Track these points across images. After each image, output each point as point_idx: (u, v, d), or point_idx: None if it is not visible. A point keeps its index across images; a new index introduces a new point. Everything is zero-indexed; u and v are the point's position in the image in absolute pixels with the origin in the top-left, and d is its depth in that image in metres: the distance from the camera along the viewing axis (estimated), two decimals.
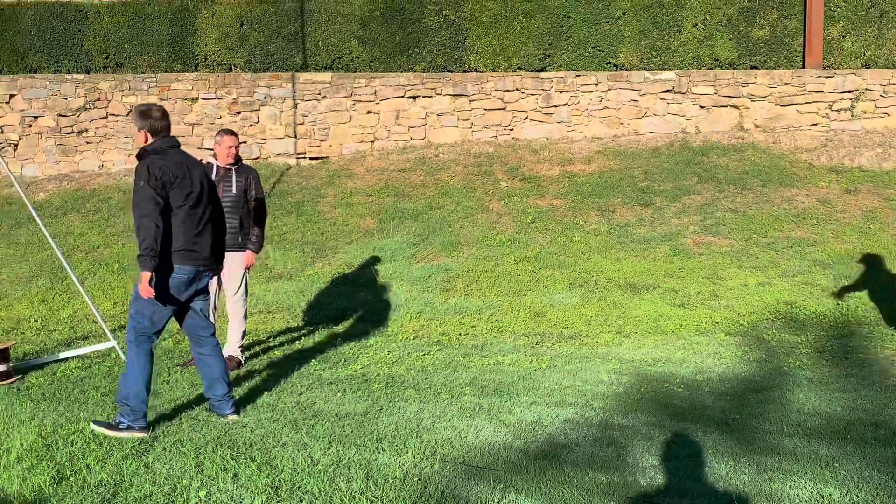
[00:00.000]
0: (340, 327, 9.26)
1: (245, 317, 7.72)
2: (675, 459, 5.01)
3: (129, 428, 5.43)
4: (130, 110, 14.76)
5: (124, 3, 15.46)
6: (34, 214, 8.19)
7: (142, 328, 5.56)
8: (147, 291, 5.41)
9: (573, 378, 6.95)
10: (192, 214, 5.58)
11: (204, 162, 7.52)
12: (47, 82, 14.91)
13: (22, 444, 5.20)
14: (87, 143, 14.88)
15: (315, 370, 7.27)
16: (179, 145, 5.74)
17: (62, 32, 15.24)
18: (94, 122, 14.86)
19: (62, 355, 7.85)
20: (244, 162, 7.89)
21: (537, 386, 6.70)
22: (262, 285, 10.95)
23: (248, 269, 7.71)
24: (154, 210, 5.35)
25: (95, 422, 5.53)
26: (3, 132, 14.87)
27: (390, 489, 4.42)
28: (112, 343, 7.89)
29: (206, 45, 15.10)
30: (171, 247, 5.52)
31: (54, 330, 9.62)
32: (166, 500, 4.30)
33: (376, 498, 4.31)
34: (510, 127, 14.53)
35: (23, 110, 14.91)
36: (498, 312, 9.57)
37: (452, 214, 12.47)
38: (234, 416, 5.81)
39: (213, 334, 5.90)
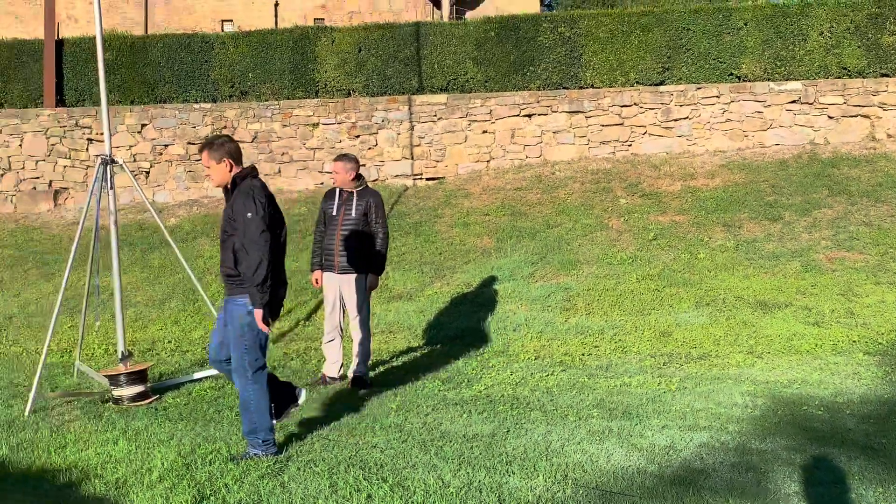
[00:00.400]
0: (461, 347, 9.27)
1: (368, 338, 7.81)
2: (819, 486, 4.79)
3: (256, 454, 5.51)
4: (255, 136, 15.23)
5: (248, 33, 16.00)
6: (168, 239, 8.50)
7: (257, 363, 5.47)
8: (263, 327, 5.36)
9: (705, 400, 6.76)
10: (277, 242, 5.45)
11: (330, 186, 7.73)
12: (176, 112, 15.53)
13: (163, 464, 5.37)
14: None
15: (439, 391, 7.29)
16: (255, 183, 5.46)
17: (190, 63, 15.86)
18: None
19: (196, 375, 8.10)
20: (370, 185, 7.99)
21: (668, 409, 6.53)
22: (382, 305, 11.07)
23: (369, 291, 7.77)
24: (266, 244, 5.21)
25: (233, 459, 5.45)
26: (135, 160, 15.54)
27: None
28: None
29: (325, 72, 15.46)
30: None
31: (187, 351, 9.94)
32: None
33: None
34: (628, 142, 14.34)
35: (154, 139, 15.56)
36: (621, 332, 9.41)
37: (571, 232, 12.36)
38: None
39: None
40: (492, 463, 5.21)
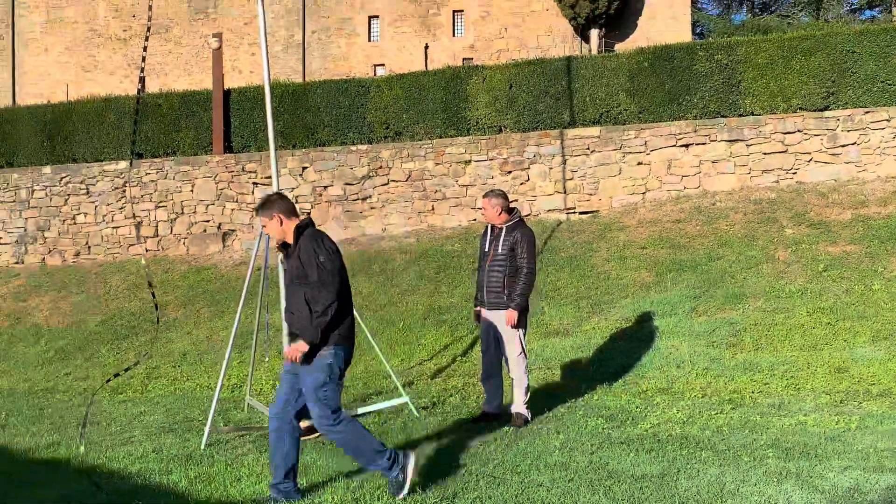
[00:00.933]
0: (622, 384, 9.06)
1: (526, 373, 7.74)
2: None
3: (400, 470, 5.44)
4: (409, 175, 15.53)
5: (401, 76, 16.40)
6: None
7: (335, 406, 5.39)
8: (292, 353, 5.34)
9: (889, 440, 6.33)
10: (346, 289, 5.54)
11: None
12: (335, 154, 16.05)
13: (332, 498, 5.46)
14: (371, 208, 15.80)
15: (603, 429, 7.13)
16: (315, 234, 5.53)
17: (347, 107, 16.38)
18: (376, 189, 15.76)
19: (360, 410, 8.24)
20: (521, 219, 7.90)
21: (848, 448, 6.16)
22: (539, 341, 10.99)
23: (517, 326, 7.63)
24: (335, 289, 5.30)
25: (397, 494, 5.43)
26: (297, 201, 16.10)
27: None
28: (405, 399, 8.19)
29: (477, 110, 15.63)
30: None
31: (349, 386, 10.13)
32: None
33: None
34: (793, 170, 13.78)
35: (314, 181, 16.12)
36: (793, 368, 8.97)
37: (734, 265, 11.94)
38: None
39: None
40: None
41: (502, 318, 7.58)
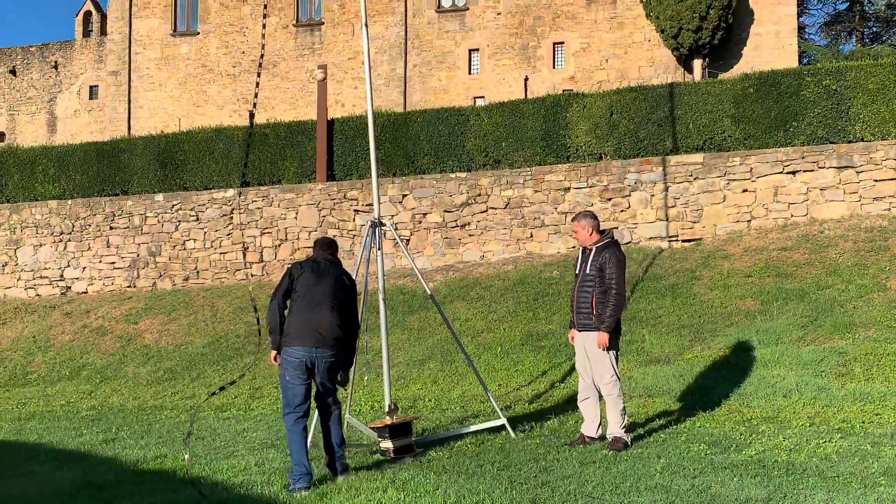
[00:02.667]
0: (726, 412, 8.82)
1: (620, 396, 7.57)
2: None
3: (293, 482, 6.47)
4: (508, 203, 15.58)
5: (501, 104, 16.52)
6: (434, 302, 8.78)
7: (286, 401, 6.68)
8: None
9: None
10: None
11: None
12: (434, 181, 16.22)
13: None
14: (470, 235, 15.88)
15: (706, 454, 6.96)
16: (323, 259, 6.99)
17: (446, 136, 16.57)
18: (475, 216, 15.85)
19: (458, 431, 8.25)
20: (615, 241, 7.74)
21: None
22: (639, 368, 10.82)
23: (608, 349, 7.50)
24: (275, 297, 6.78)
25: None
26: (396, 228, 16.32)
27: None
28: (503, 421, 8.17)
29: (577, 137, 15.60)
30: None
31: (447, 409, 10.17)
32: None
33: None
34: None
35: (413, 208, 16.31)
36: None
37: (843, 294, 11.55)
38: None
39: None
40: None
41: (593, 340, 7.50)
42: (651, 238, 14.55)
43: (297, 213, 17.13)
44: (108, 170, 18.83)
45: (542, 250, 15.30)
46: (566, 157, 15.69)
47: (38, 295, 18.55)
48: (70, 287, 18.43)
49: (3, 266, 18.90)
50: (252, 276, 17.15)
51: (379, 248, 8.40)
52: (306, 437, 6.64)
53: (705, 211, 14.27)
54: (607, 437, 7.55)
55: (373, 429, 7.98)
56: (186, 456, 7.43)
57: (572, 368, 11.43)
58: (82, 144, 19.66)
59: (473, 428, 8.36)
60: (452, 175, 16.15)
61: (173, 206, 17.87)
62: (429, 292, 9.00)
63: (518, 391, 10.86)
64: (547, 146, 15.80)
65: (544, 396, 10.44)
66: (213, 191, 17.75)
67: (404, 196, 16.40)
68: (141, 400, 12.71)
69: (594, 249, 7.60)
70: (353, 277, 7.24)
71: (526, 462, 6.99)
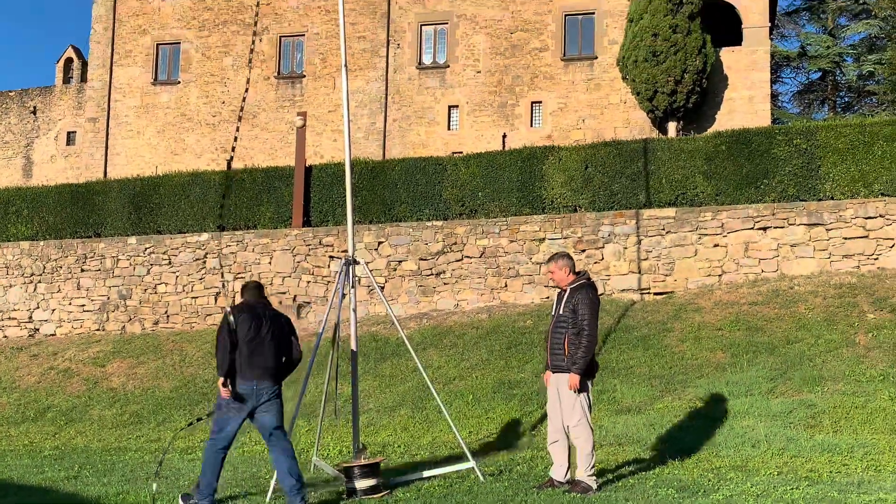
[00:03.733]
0: (695, 461, 8.80)
1: (589, 440, 7.45)
2: None
3: None
4: (483, 252, 15.64)
5: (479, 155, 16.71)
6: (408, 345, 8.74)
7: (214, 431, 7.20)
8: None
9: None
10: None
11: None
12: (410, 229, 16.28)
13: None
14: (444, 283, 15.90)
15: (674, 498, 6.93)
16: (257, 303, 7.46)
17: (424, 184, 16.68)
18: (450, 265, 15.89)
19: (425, 473, 8.17)
20: (588, 282, 7.69)
21: None
22: (610, 417, 10.81)
23: (579, 391, 7.39)
24: (221, 348, 7.16)
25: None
26: (372, 275, 16.31)
27: None
28: (472, 464, 8.10)
29: (552, 189, 15.76)
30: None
31: (416, 455, 10.09)
32: None
33: None
34: (874, 256, 13.50)
35: (389, 255, 16.34)
36: (874, 451, 8.62)
37: (813, 348, 11.64)
38: None
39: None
40: None
41: (565, 381, 7.45)
42: (623, 290, 14.63)
43: (271, 258, 17.09)
44: (81, 212, 18.75)
45: (517, 300, 15.33)
46: (541, 209, 15.82)
47: (5, 336, 18.30)
48: (38, 329, 18.20)
49: None
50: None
51: (352, 287, 8.40)
52: (221, 465, 7.21)
53: (677, 264, 14.39)
54: (575, 480, 7.49)
55: (340, 469, 7.90)
56: (154, 486, 7.31)
57: (543, 416, 11.37)
58: (57, 186, 19.61)
59: (442, 470, 8.29)
60: (429, 223, 16.23)
61: (146, 249, 17.79)
62: (403, 336, 8.98)
63: (489, 438, 10.79)
64: (523, 197, 15.94)
65: (515, 444, 10.38)
66: (186, 235, 17.70)
67: (380, 243, 16.43)
68: (105, 442, 12.51)
69: (569, 290, 7.58)
70: (325, 317, 8.03)
71: (494, 503, 6.93)
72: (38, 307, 18.28)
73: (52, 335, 18.00)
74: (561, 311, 7.52)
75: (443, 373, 13.28)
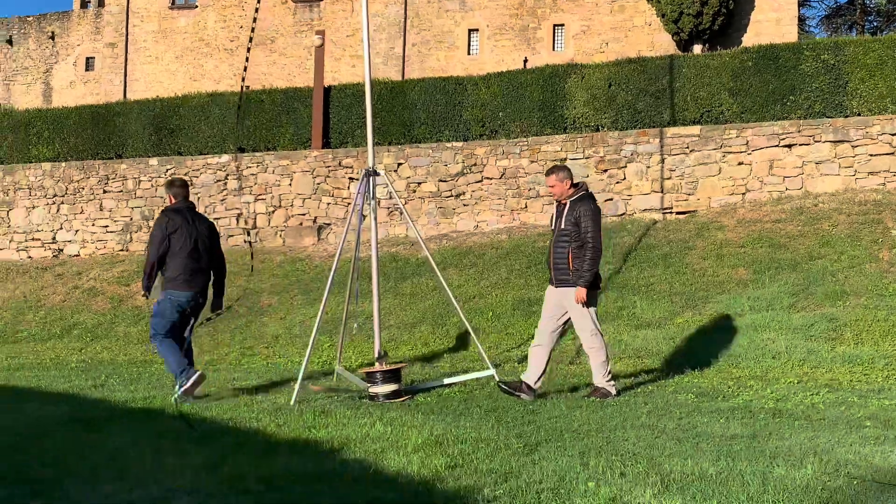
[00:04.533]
0: (715, 370, 8.85)
1: (603, 348, 7.37)
2: None
3: (186, 377, 7.64)
4: (503, 173, 15.56)
5: (500, 74, 16.48)
6: (433, 266, 8.73)
7: (158, 332, 7.94)
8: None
9: None
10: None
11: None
12: (430, 151, 16.19)
13: (416, 441, 5.49)
14: (464, 205, 15.86)
15: (692, 401, 6.98)
16: (189, 206, 8.12)
17: (444, 105, 16.53)
18: (470, 186, 15.83)
19: (446, 381, 8.26)
20: (588, 193, 7.47)
21: None
22: (629, 332, 10.85)
23: (587, 304, 7.30)
24: (153, 251, 7.84)
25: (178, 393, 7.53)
26: (391, 197, 16.30)
27: (791, 496, 4.04)
28: (491, 371, 8.17)
29: (574, 108, 15.58)
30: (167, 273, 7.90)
31: (436, 366, 10.19)
32: (556, 487, 4.28)
33: (777, 501, 3.96)
34: None
35: (408, 177, 16.28)
36: None
37: (836, 264, 11.57)
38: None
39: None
40: (753, 456, 4.89)
41: (570, 296, 7.30)
42: (646, 210, 14.55)
43: (291, 180, 17.09)
44: (102, 133, 18.77)
45: (537, 221, 15.29)
46: (563, 128, 15.67)
47: (29, 257, 18.51)
48: (62, 250, 18.38)
49: None
50: (245, 242, 17.10)
51: (372, 198, 8.37)
52: (175, 349, 7.85)
53: (700, 183, 14.27)
54: (594, 387, 7.53)
55: (363, 374, 7.99)
56: (176, 390, 7.44)
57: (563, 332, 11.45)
58: (77, 107, 19.58)
59: (462, 378, 8.37)
60: (448, 144, 16.12)
61: (167, 170, 17.81)
62: (427, 252, 8.94)
63: (508, 352, 10.87)
64: (544, 117, 15.78)
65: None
66: (207, 156, 17.69)
67: (399, 165, 16.36)
68: (131, 356, 12.70)
69: (569, 203, 7.37)
70: (344, 233, 8.34)
71: (513, 406, 7.01)
72: (61, 228, 18.44)
73: (76, 256, 18.18)
74: (563, 225, 7.32)
75: (463, 291, 13.32)
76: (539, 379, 7.42)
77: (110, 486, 4.58)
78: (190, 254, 7.81)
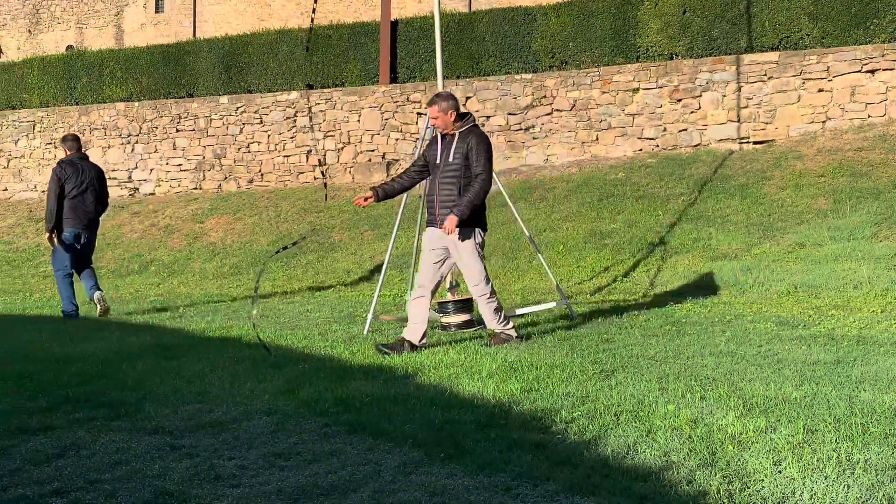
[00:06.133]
0: (794, 300, 8.63)
1: (492, 295, 6.64)
2: None
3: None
4: (573, 105, 15.29)
5: (570, 3, 16.09)
6: (506, 197, 8.67)
7: (58, 266, 9.68)
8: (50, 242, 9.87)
9: None
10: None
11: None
12: (498, 83, 15.97)
13: (490, 367, 5.48)
14: (534, 138, 15.66)
15: (772, 329, 6.82)
16: (79, 157, 9.71)
17: (512, 36, 16.24)
18: (540, 119, 15.60)
19: (519, 311, 8.22)
20: (475, 124, 6.70)
21: None
22: (704, 264, 10.65)
23: (464, 239, 6.49)
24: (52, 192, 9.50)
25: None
26: None
27: (879, 418, 3.92)
28: (564, 302, 8.11)
29: (647, 37, 15.17)
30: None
31: (507, 299, 10.14)
32: (634, 409, 4.22)
33: (866, 423, 3.84)
34: None
35: (476, 111, 16.10)
36: None
37: None
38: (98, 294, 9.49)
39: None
40: (838, 381, 4.76)
41: (457, 240, 6.47)
42: (721, 140, 14.17)
43: (359, 116, 17.06)
44: (173, 72, 18.94)
45: (608, 153, 15.03)
46: (636, 58, 15.28)
47: None
48: (138, 188, 18.74)
49: None
50: (315, 178, 17.20)
51: None
52: (72, 286, 9.53)
53: (778, 112, 13.82)
54: (494, 334, 6.76)
55: (434, 305, 7.99)
56: (253, 311, 7.56)
57: (636, 265, 11.31)
58: (148, 47, 19.77)
59: (535, 308, 8.32)
60: (517, 77, 15.87)
61: (237, 108, 17.93)
62: (499, 185, 8.86)
63: (580, 284, 10.78)
64: (616, 46, 15.40)
65: (607, 290, 10.35)
66: (276, 93, 17.74)
67: (468, 98, 16.18)
68: (207, 290, 12.95)
69: (458, 135, 6.56)
70: None
71: (587, 334, 6.95)
72: (136, 167, 18.77)
73: (152, 194, 18.52)
74: (450, 159, 6.53)
75: (533, 224, 13.21)
76: (424, 335, 6.55)
77: (190, 408, 4.67)
78: (79, 197, 9.47)
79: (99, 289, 9.62)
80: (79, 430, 4.22)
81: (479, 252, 6.59)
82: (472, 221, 6.51)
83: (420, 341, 6.48)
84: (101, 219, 10.02)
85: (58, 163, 9.65)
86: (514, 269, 11.97)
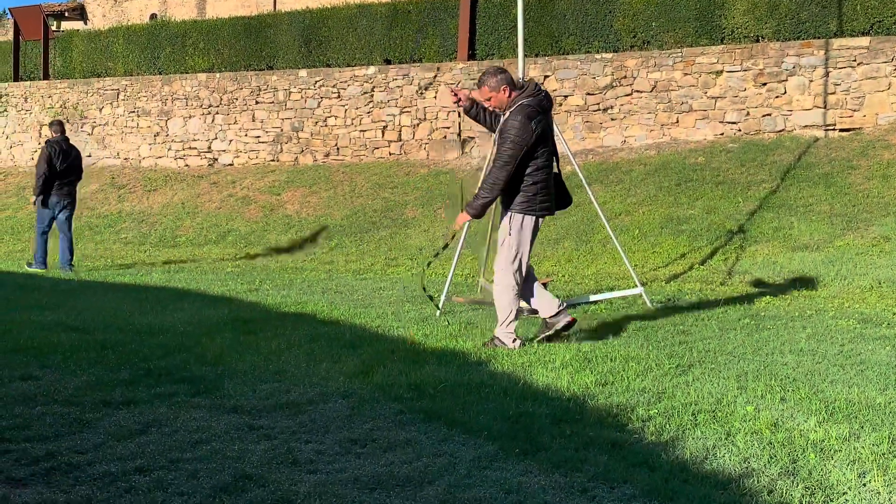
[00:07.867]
0: (877, 295, 8.38)
1: (506, 288, 5.97)
2: None
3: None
4: (654, 86, 15.02)
5: None
6: (582, 180, 8.59)
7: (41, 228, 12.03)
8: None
9: None
10: None
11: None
12: (578, 62, 15.76)
13: (564, 357, 5.44)
14: (612, 119, 15.44)
15: (854, 327, 6.64)
16: (63, 139, 11.90)
17: (594, 15, 16.00)
18: (619, 100, 15.37)
19: (593, 297, 8.16)
20: (524, 101, 5.84)
21: None
22: (785, 254, 10.43)
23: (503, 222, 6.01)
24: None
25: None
26: None
27: None
28: (639, 290, 8.01)
29: (733, 18, 14.79)
30: None
31: (580, 283, 10.08)
32: (712, 409, 4.16)
33: None
34: None
35: (554, 90, 15.92)
36: None
37: None
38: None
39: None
40: None
41: (507, 221, 5.97)
42: (806, 126, 13.78)
43: (436, 93, 17.02)
44: (254, 44, 19.16)
45: (688, 136, 14.74)
46: (720, 39, 14.92)
47: (186, 165, 19.27)
48: (217, 159, 19.04)
49: (155, 136, 19.67)
50: (389, 154, 17.25)
51: None
52: (46, 244, 11.88)
53: (867, 99, 13.36)
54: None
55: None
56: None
57: (714, 252, 11.12)
58: (230, 19, 20.01)
59: (609, 295, 8.26)
60: (597, 56, 15.64)
61: (316, 82, 18.05)
62: (575, 166, 8.79)
63: (655, 271, 10.64)
64: (700, 27, 15.06)
65: (683, 277, 10.20)
66: (354, 68, 17.80)
67: (546, 77, 16.01)
68: (282, 262, 13.14)
69: (508, 114, 5.86)
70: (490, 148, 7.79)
71: (663, 325, 6.86)
72: (216, 138, 19.07)
73: (230, 165, 18.81)
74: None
75: (608, 208, 13.05)
76: (559, 304, 6.10)
77: (268, 387, 4.75)
78: (62, 172, 11.66)
79: (71, 266, 11.80)
80: (160, 406, 4.32)
81: (517, 238, 5.91)
82: (518, 205, 5.89)
83: (559, 307, 6.03)
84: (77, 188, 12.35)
85: (46, 142, 11.91)
86: (587, 253, 11.88)
